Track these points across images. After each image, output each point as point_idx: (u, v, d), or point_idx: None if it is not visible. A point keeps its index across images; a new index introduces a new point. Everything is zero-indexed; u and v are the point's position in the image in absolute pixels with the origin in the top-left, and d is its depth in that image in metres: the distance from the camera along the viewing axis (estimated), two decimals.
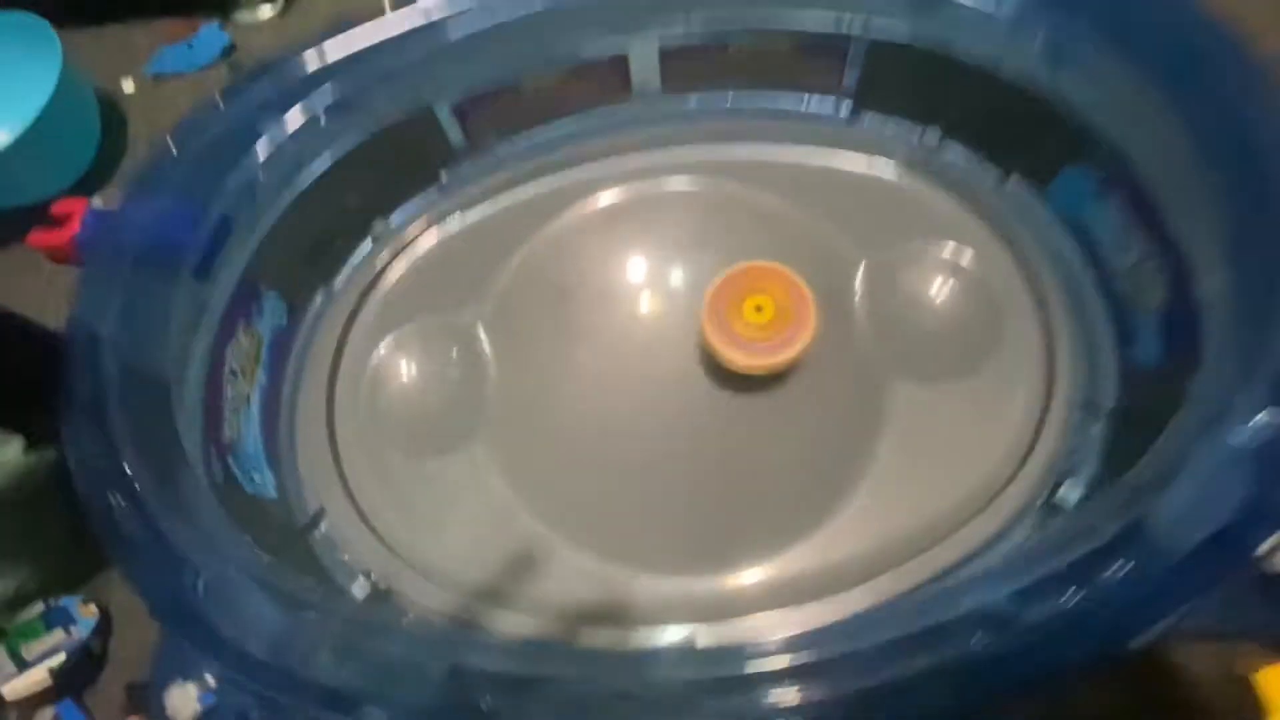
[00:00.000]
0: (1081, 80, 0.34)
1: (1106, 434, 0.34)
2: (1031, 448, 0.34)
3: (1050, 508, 0.33)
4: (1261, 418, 0.22)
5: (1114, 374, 0.34)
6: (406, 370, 0.41)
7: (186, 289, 0.34)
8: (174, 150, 0.34)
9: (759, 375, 0.37)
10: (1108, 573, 0.20)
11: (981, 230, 0.39)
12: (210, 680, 0.27)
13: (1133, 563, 0.20)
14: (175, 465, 0.30)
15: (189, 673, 0.27)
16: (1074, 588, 0.20)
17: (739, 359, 0.36)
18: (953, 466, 0.35)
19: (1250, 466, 0.21)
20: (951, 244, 0.39)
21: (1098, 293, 0.36)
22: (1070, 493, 0.33)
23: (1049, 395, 0.35)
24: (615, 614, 0.33)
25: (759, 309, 0.36)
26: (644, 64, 0.42)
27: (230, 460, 0.35)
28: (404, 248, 0.44)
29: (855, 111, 0.43)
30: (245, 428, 0.37)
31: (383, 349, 0.41)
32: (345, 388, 0.40)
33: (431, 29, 0.39)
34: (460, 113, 0.43)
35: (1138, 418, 0.33)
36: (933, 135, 0.42)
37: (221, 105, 0.35)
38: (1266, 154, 0.26)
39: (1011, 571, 0.21)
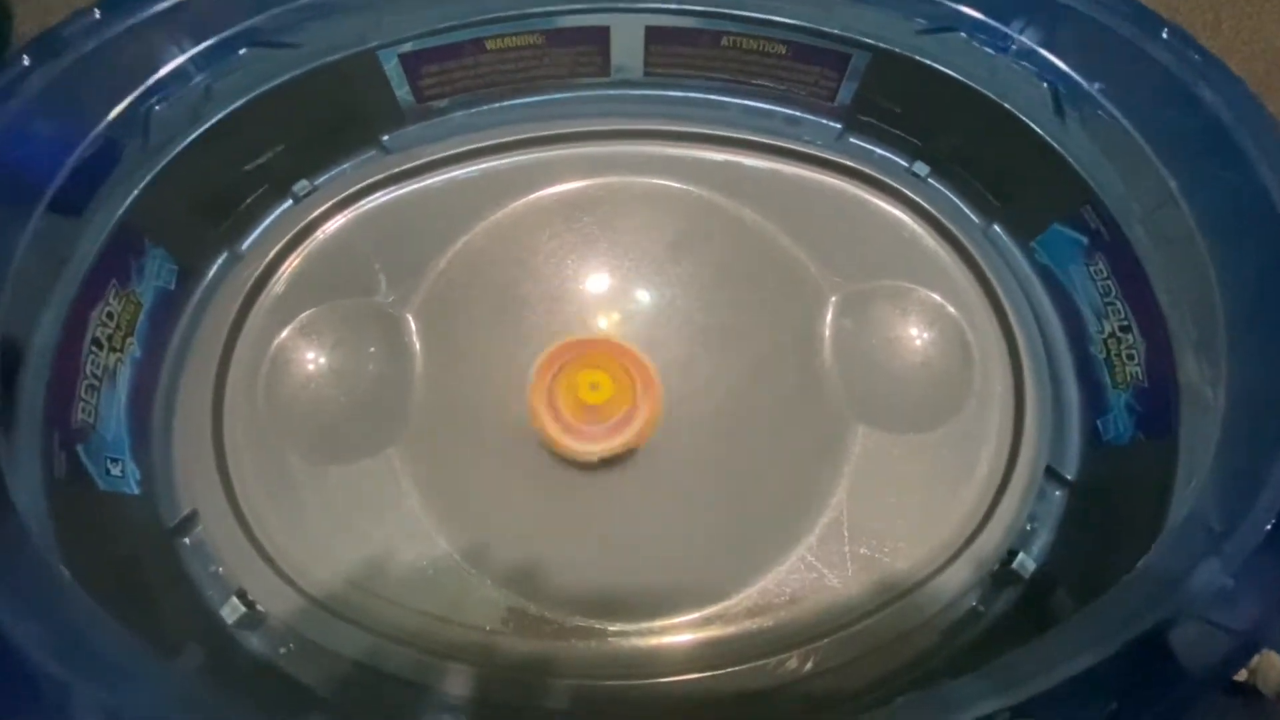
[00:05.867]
0: (1085, 135, 0.33)
1: (1067, 505, 0.32)
2: (992, 510, 0.33)
3: (1002, 578, 0.32)
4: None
5: (1080, 445, 0.33)
6: (316, 359, 0.35)
7: (39, 225, 0.28)
8: (25, 60, 0.27)
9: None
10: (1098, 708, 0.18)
11: (961, 275, 0.37)
12: None
13: (1119, 702, 0.18)
14: None
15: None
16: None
17: (568, 444, 0.32)
18: (912, 523, 0.33)
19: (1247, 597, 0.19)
20: (930, 287, 0.37)
21: (1072, 358, 0.35)
22: (1025, 563, 0.32)
23: (1014, 458, 0.34)
24: (522, 661, 0.30)
25: (594, 387, 0.33)
26: (627, 41, 0.38)
27: (79, 449, 0.29)
28: (330, 215, 0.38)
29: (845, 131, 0.40)
30: (107, 409, 0.31)
31: (290, 330, 0.35)
32: (240, 373, 0.34)
33: None
34: (410, 65, 0.37)
35: (1100, 495, 0.32)
36: (921, 169, 0.40)
37: (99, 13, 0.29)
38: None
39: (1007, 683, 0.19)
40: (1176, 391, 0.29)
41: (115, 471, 0.30)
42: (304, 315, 0.36)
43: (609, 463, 0.33)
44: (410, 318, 0.36)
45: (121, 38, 0.30)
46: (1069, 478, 0.33)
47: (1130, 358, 0.32)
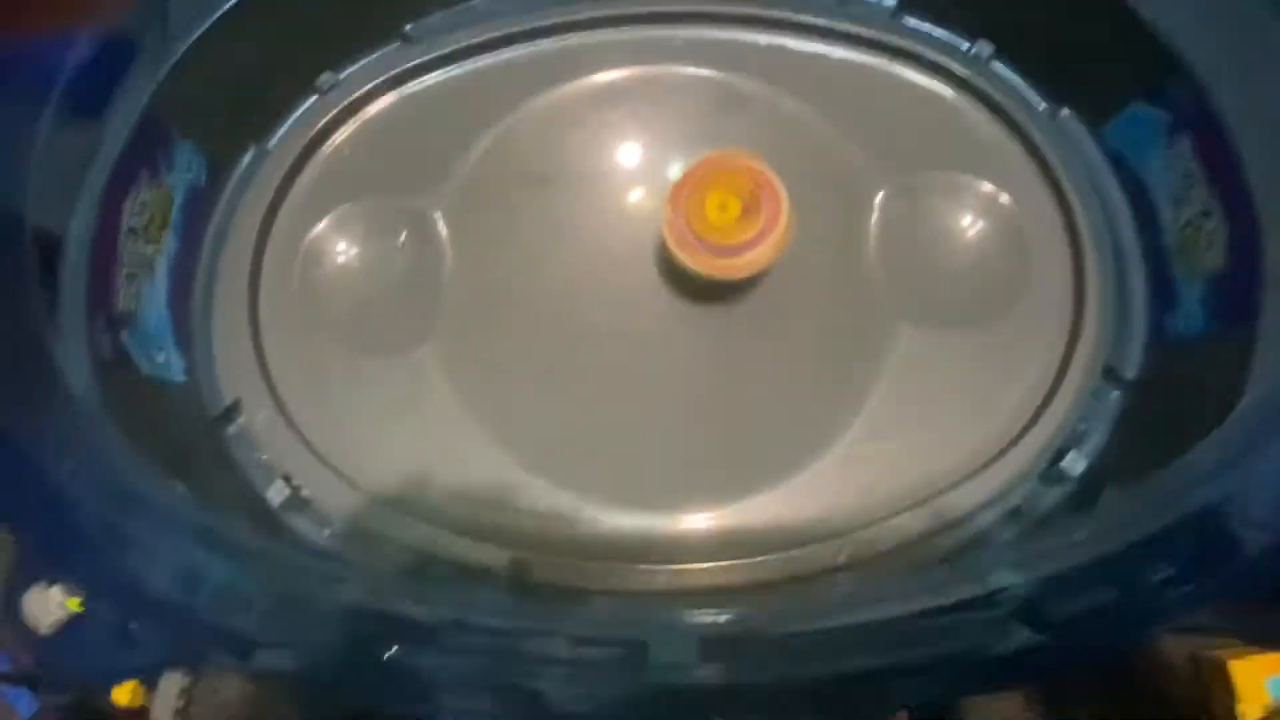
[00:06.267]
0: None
1: (1123, 404, 0.31)
2: (1041, 411, 0.31)
3: (1049, 477, 0.31)
4: None
5: (1143, 341, 0.31)
6: (348, 253, 0.35)
7: (61, 122, 0.27)
8: None
9: (732, 285, 0.32)
10: (1150, 574, 0.17)
11: (1022, 164, 0.35)
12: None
13: (1177, 569, 0.17)
14: (42, 336, 0.24)
15: (55, 573, 0.23)
16: (1110, 585, 0.17)
17: (701, 264, 0.31)
18: (952, 422, 0.32)
19: None
20: (987, 178, 0.34)
21: (1141, 250, 0.32)
22: (1074, 464, 0.30)
23: (1068, 356, 0.32)
24: (559, 546, 0.30)
25: (723, 207, 0.31)
26: None
27: (124, 335, 0.29)
28: (356, 109, 0.37)
29: (900, 9, 0.37)
30: (148, 298, 0.31)
31: (322, 225, 0.35)
32: (273, 266, 0.34)
33: None
34: None
35: (1163, 391, 0.30)
36: (984, 49, 0.36)
37: None
38: None
39: (1040, 554, 0.18)
40: (1260, 277, 0.27)
41: (160, 359, 0.31)
42: (333, 212, 0.35)
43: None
44: (440, 215, 0.35)
45: None
46: (1128, 376, 0.31)
47: (1209, 245, 0.29)
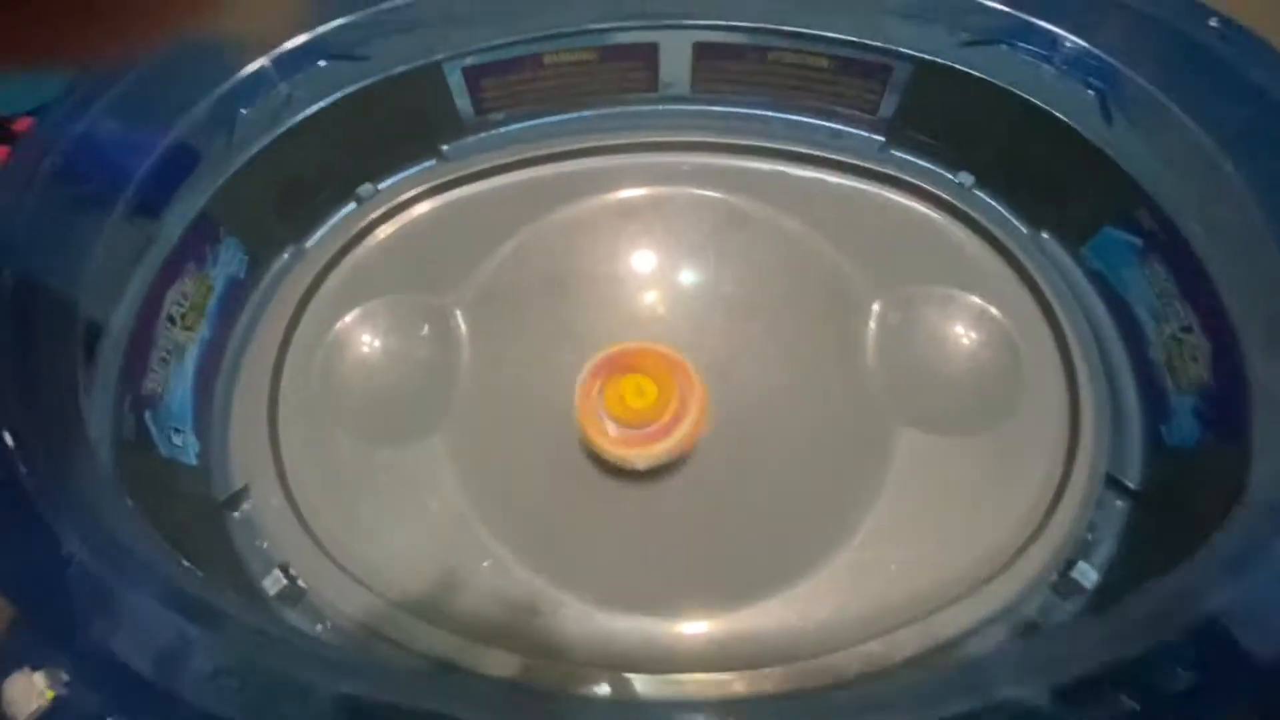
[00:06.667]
0: (1134, 137, 0.33)
1: (1130, 514, 0.31)
2: (1047, 518, 0.31)
3: (1062, 587, 0.30)
4: None
5: (1143, 451, 0.31)
6: (370, 346, 0.37)
7: (123, 220, 0.30)
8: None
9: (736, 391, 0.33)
10: (1169, 680, 0.17)
11: (1009, 281, 0.37)
12: (64, 674, 0.22)
13: (1199, 672, 0.17)
14: (66, 413, 0.25)
15: (39, 660, 0.22)
16: (1127, 693, 0.17)
17: (611, 449, 0.32)
18: (959, 530, 0.31)
19: None
20: (976, 292, 0.37)
21: (1130, 363, 0.33)
22: (1085, 573, 0.30)
23: (1070, 464, 0.32)
24: (555, 648, 0.29)
25: (640, 392, 0.32)
26: (675, 57, 0.40)
27: (147, 415, 0.30)
28: (389, 216, 0.41)
29: (888, 144, 0.41)
30: (175, 382, 0.33)
31: (347, 319, 0.37)
32: (298, 356, 0.36)
33: None
34: (472, 79, 0.39)
35: (1167, 501, 0.30)
36: (966, 178, 0.40)
37: None
38: None
39: (1049, 662, 0.18)
40: (1247, 391, 0.28)
41: (177, 441, 0.32)
42: (360, 307, 0.37)
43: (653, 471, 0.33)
44: (460, 311, 0.37)
45: (212, 44, 0.33)
46: (1131, 486, 0.31)
47: (1194, 359, 0.31)
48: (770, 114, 0.42)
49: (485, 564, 0.31)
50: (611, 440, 0.32)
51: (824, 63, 0.39)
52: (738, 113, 0.42)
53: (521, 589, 0.31)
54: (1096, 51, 0.31)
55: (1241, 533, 0.21)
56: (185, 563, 0.22)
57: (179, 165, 0.34)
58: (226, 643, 0.20)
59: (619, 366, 0.33)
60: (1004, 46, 0.36)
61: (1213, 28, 0.27)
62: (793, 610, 0.30)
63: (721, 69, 0.40)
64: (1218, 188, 0.28)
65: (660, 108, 0.42)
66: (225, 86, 0.34)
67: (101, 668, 0.19)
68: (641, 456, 0.32)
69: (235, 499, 0.32)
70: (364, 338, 0.37)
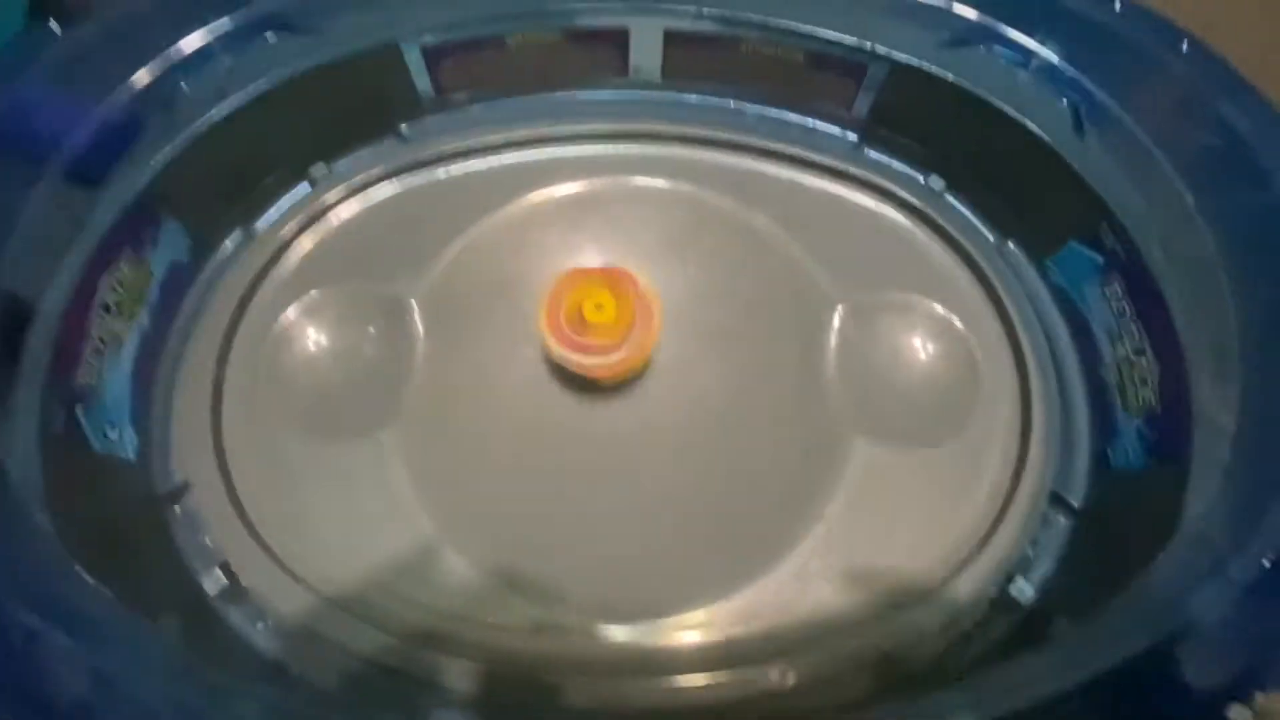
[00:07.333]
0: (1104, 153, 0.32)
1: (1072, 533, 0.31)
2: (992, 533, 0.32)
3: (1000, 603, 0.31)
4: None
5: (1089, 471, 0.32)
6: (319, 338, 0.36)
7: (53, 194, 0.28)
8: (54, 28, 0.28)
9: (693, 389, 0.33)
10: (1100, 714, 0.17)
11: (972, 291, 0.37)
12: None
13: (1129, 709, 0.17)
14: None
15: None
16: None
17: (573, 359, 0.32)
18: (906, 540, 0.32)
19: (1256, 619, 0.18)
20: (939, 301, 0.36)
21: (1084, 381, 0.34)
22: (1023, 590, 0.31)
23: (1017, 480, 0.33)
24: (502, 652, 0.29)
25: (599, 307, 0.32)
26: (646, 44, 0.38)
27: (78, 409, 0.29)
28: (343, 200, 0.39)
29: (861, 142, 0.40)
30: (110, 373, 0.31)
31: (295, 309, 0.36)
32: (243, 347, 0.35)
33: None
34: (432, 58, 0.38)
35: (1107, 523, 0.30)
36: (937, 183, 0.39)
37: None
38: None
39: (986, 699, 0.18)
40: (1190, 417, 0.28)
41: (112, 435, 0.31)
42: (310, 295, 0.36)
43: (608, 390, 0.32)
44: (415, 303, 0.36)
45: (151, 14, 0.31)
46: (1075, 505, 0.32)
47: (1144, 382, 0.31)
48: (743, 105, 0.41)
49: (433, 563, 0.31)
50: (572, 349, 0.32)
51: (799, 57, 0.37)
52: (710, 103, 0.41)
53: (469, 591, 0.30)
54: (1070, 66, 0.30)
55: (1169, 569, 0.22)
56: (111, 576, 0.22)
57: (117, 137, 0.32)
58: (152, 667, 0.19)
59: (581, 284, 0.33)
60: (982, 49, 0.35)
61: (1185, 53, 0.26)
62: (736, 617, 0.30)
63: (694, 58, 0.39)
64: (1176, 213, 0.27)
65: (630, 94, 0.41)
66: (164, 57, 0.32)
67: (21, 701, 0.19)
68: (603, 365, 0.32)
69: (175, 494, 0.31)
70: (313, 329, 0.36)
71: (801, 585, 0.31)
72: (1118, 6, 0.27)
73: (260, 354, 0.35)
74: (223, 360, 0.34)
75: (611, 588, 0.31)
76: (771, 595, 0.31)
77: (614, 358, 0.32)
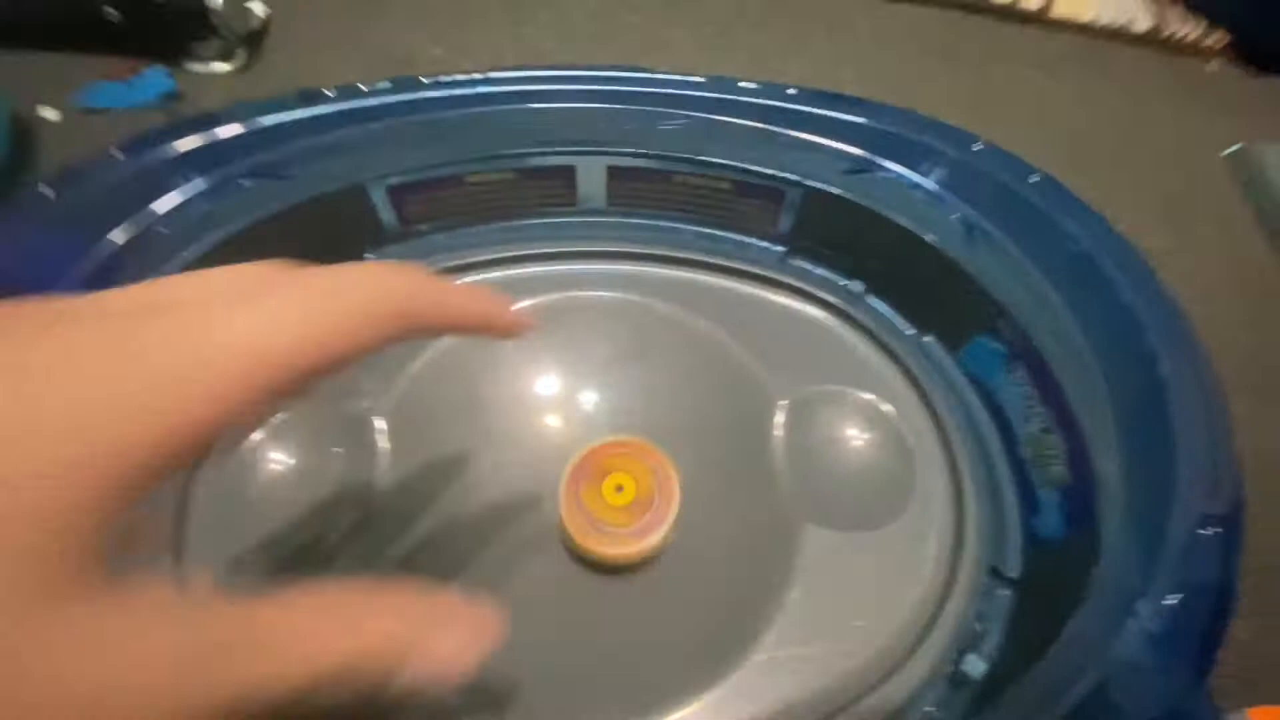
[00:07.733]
0: (991, 259, 0.37)
1: (1013, 603, 0.33)
2: (939, 610, 0.33)
3: (956, 679, 0.32)
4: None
5: (1019, 543, 0.34)
6: (284, 460, 0.36)
7: None
8: (46, 191, 0.31)
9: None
10: None
11: (898, 382, 0.40)
12: None
13: None
14: None
15: None
16: None
17: (596, 547, 0.33)
18: (862, 623, 0.33)
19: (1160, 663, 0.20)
20: (870, 392, 0.40)
21: (1005, 459, 0.37)
22: (975, 664, 0.32)
23: (957, 557, 0.35)
24: None
25: (619, 489, 0.34)
26: (591, 178, 0.43)
27: None
28: None
29: (787, 254, 0.45)
30: None
31: (261, 433, 0.37)
32: (207, 473, 0.35)
33: (376, 110, 0.38)
34: (396, 196, 0.41)
35: (1041, 591, 0.33)
36: (856, 286, 0.44)
37: (121, 155, 0.33)
38: (1150, 358, 0.28)
39: None
40: (1095, 486, 0.31)
41: None
42: (275, 419, 0.37)
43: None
44: (380, 419, 0.38)
45: (139, 174, 0.34)
46: (1012, 576, 0.34)
47: (1055, 457, 0.34)
48: (681, 226, 0.46)
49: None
50: (601, 541, 0.33)
51: (726, 185, 0.43)
52: (651, 224, 0.46)
53: (427, 708, 0.30)
54: (948, 193, 0.35)
55: (1093, 619, 0.24)
56: None
57: (104, 277, 0.33)
58: None
59: (596, 468, 0.34)
60: (879, 174, 0.40)
61: (1033, 184, 0.31)
62: (711, 715, 0.31)
63: (634, 188, 0.44)
64: (1052, 313, 0.32)
65: (578, 220, 0.45)
66: (142, 207, 0.35)
67: None
68: (638, 551, 0.33)
69: None
70: (275, 453, 0.36)
71: (771, 679, 0.32)
72: (976, 147, 0.33)
73: (224, 480, 0.35)
74: (186, 486, 0.35)
75: (579, 698, 0.31)
76: (742, 692, 0.31)
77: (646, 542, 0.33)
